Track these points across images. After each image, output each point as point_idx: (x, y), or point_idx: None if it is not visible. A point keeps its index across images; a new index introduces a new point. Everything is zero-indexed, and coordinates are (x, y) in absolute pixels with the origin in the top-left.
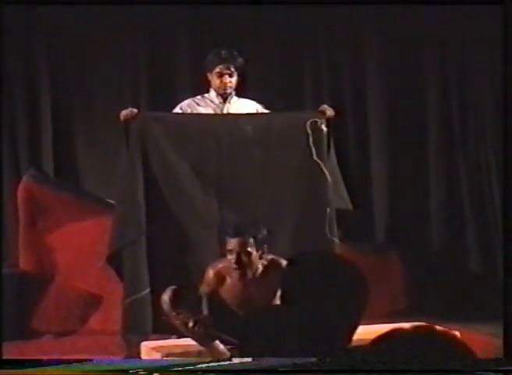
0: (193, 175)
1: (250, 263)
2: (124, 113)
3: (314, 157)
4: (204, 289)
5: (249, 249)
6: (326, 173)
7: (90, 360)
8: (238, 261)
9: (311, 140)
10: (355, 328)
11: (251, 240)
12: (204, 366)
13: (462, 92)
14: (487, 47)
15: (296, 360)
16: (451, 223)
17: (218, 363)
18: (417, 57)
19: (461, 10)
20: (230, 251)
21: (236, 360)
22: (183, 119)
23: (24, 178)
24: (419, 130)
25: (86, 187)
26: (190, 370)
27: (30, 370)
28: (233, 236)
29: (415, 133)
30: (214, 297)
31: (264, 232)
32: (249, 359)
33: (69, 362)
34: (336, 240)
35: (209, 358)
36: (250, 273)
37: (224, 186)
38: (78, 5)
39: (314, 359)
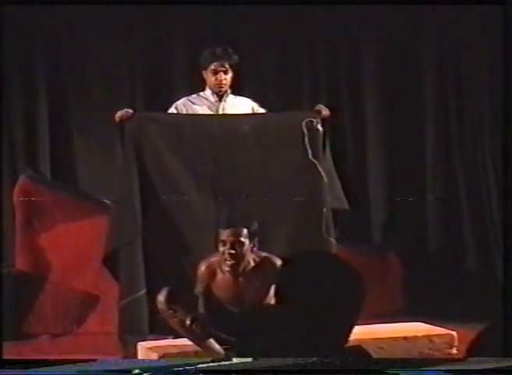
0: (189, 175)
1: (243, 255)
2: (119, 114)
3: (310, 156)
4: (198, 286)
5: (242, 239)
6: (322, 172)
7: (91, 360)
8: (232, 250)
9: (306, 139)
10: (351, 328)
11: (245, 230)
12: (203, 365)
13: (461, 92)
14: (487, 47)
15: (295, 360)
16: (448, 223)
17: (216, 363)
18: (416, 57)
19: (461, 10)
20: (223, 241)
21: (234, 360)
22: (179, 119)
23: (21, 178)
24: (416, 128)
25: (82, 187)
26: (188, 371)
27: (29, 370)
28: (226, 227)
29: (411, 131)
30: (208, 294)
31: (256, 225)
32: (247, 359)
33: (68, 362)
34: (333, 240)
35: (206, 359)
36: (241, 267)
37: (220, 186)
38: (77, 6)
39: (311, 359)
